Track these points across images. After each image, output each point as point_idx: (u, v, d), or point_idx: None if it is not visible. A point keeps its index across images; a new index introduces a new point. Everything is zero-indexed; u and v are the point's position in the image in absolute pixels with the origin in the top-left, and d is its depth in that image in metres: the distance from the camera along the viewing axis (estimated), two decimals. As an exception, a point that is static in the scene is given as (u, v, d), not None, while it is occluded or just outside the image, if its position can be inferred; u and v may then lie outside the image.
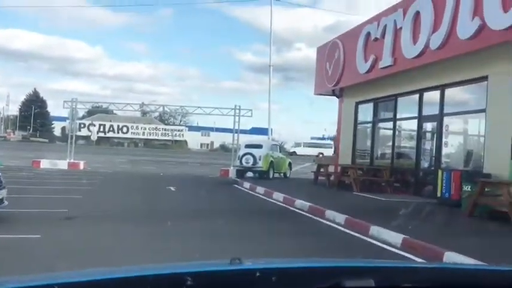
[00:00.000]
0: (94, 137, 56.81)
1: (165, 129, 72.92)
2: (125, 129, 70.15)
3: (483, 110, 10.34)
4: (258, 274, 0.91)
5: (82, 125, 59.27)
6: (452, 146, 12.14)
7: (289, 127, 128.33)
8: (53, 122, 73.46)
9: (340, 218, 8.14)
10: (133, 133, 70.73)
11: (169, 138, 71.24)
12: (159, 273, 0.93)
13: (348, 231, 7.39)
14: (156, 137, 71.04)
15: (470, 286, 1.07)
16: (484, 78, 10.26)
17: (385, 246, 6.22)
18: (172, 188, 13.30)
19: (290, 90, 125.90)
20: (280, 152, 19.77)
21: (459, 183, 10.05)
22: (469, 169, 10.71)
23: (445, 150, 11.99)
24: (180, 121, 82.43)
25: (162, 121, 78.63)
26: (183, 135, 72.44)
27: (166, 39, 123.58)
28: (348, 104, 16.95)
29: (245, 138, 24.78)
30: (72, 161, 20.23)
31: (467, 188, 9.62)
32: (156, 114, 75.02)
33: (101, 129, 67.18)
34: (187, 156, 45.94)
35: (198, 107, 24.61)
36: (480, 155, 10.60)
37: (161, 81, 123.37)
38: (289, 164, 19.97)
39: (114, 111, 62.30)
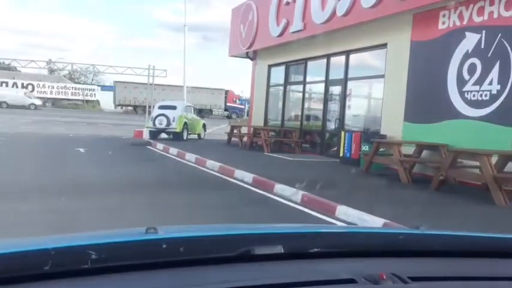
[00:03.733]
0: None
1: (75, 88, 69.09)
2: (30, 88, 65.64)
3: (382, 76, 11.11)
4: (164, 245, 0.90)
5: (-20, 83, 54.60)
6: (355, 109, 12.93)
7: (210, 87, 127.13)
8: None
9: (248, 177, 8.52)
10: (40, 92, 66.14)
11: (80, 97, 67.81)
12: (63, 245, 0.86)
13: (254, 189, 7.78)
14: (66, 97, 67.16)
15: (373, 248, 1.11)
16: (384, 45, 10.97)
17: (285, 201, 6.68)
18: (81, 150, 12.95)
19: (208, 50, 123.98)
20: (194, 113, 19.78)
21: (359, 144, 10.84)
22: (368, 131, 11.53)
23: (348, 113, 12.76)
24: (92, 80, 78.63)
25: (72, 80, 74.47)
26: (95, 94, 69.23)
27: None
28: (261, 66, 17.27)
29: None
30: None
31: (365, 148, 10.43)
32: (66, 72, 70.96)
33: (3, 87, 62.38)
34: (100, 116, 44.26)
35: (110, 66, 23.79)
36: (379, 118, 11.43)
37: (72, 38, 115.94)
38: (204, 125, 20.10)
39: (18, 68, 58.12)
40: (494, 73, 8.10)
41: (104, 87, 73.57)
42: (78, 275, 0.82)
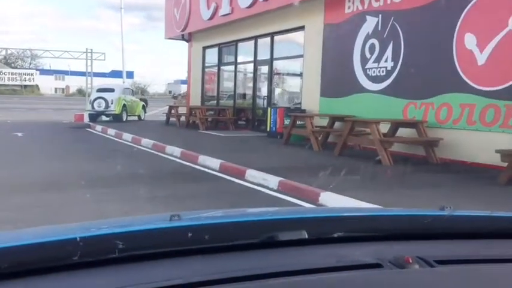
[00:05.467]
0: None
1: (12, 73, 66.80)
2: (-38, 74, 62.86)
3: (302, 56, 12.18)
4: (190, 233, 0.91)
5: None
6: (280, 86, 14.00)
7: (154, 69, 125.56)
8: None
9: (177, 151, 9.38)
10: (-26, 78, 63.74)
11: (18, 83, 65.68)
12: (90, 235, 0.88)
13: (181, 161, 8.67)
14: (2, 82, 64.92)
15: (398, 231, 1.09)
16: (302, 27, 12.01)
17: (207, 170, 7.63)
18: (19, 134, 13.29)
19: (154, 30, 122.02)
20: (133, 95, 20.26)
21: (283, 118, 11.90)
22: (291, 106, 12.62)
23: (275, 91, 13.81)
24: (30, 64, 75.98)
25: (8, 64, 71.71)
26: (33, 79, 67.18)
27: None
28: (196, 48, 17.98)
29: (102, 82, 24.50)
30: None
31: (287, 122, 11.50)
32: (0, 57, 68.16)
33: None
34: (40, 102, 43.32)
35: (46, 50, 23.63)
36: (301, 94, 12.53)
37: (6, 20, 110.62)
38: (143, 106, 20.63)
39: None
40: (389, 52, 9.31)
41: (43, 71, 71.46)
42: (104, 264, 0.83)
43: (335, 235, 1.02)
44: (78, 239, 0.82)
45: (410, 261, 0.88)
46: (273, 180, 6.19)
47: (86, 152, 10.03)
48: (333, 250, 0.97)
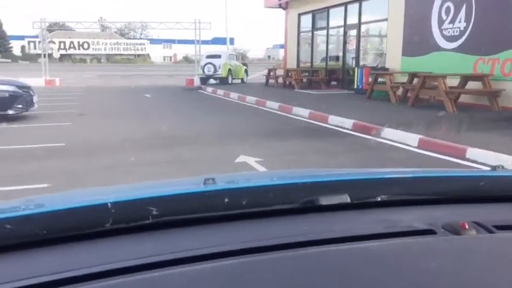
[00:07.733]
0: (56, 55, 57.50)
1: (126, 44, 73.19)
2: (85, 46, 70.23)
3: (386, 19, 13.42)
4: (227, 198, 0.86)
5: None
6: (367, 48, 15.32)
7: (252, 35, 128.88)
8: (10, 42, 72.39)
9: (275, 105, 11.40)
10: (95, 49, 70.94)
11: (132, 52, 71.92)
12: (122, 200, 0.83)
13: (279, 112, 10.69)
14: (118, 52, 71.55)
15: (450, 195, 1.00)
16: (387, -6, 13.22)
17: (298, 118, 9.56)
18: (148, 95, 16.18)
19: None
20: (236, 60, 22.60)
21: (368, 77, 13.36)
22: (376, 65, 13.99)
23: (362, 52, 15.19)
24: (141, 34, 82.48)
25: (122, 35, 78.53)
26: (145, 48, 73.11)
27: None
28: (292, 15, 19.66)
29: (206, 49, 27.07)
30: (48, 78, 22.08)
31: (371, 79, 12.96)
32: (115, 29, 74.91)
33: (62, 47, 67.24)
34: (152, 69, 47.75)
35: (161, 23, 26.59)
36: (385, 54, 13.83)
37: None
38: (246, 70, 22.91)
39: (73, 28, 62.29)
40: (462, 13, 10.37)
41: (153, 41, 77.31)
42: (138, 230, 0.81)
43: (380, 199, 0.94)
44: (109, 205, 0.79)
45: (467, 226, 0.79)
46: (348, 122, 7.96)
47: (208, 108, 12.45)
48: (379, 215, 0.90)
